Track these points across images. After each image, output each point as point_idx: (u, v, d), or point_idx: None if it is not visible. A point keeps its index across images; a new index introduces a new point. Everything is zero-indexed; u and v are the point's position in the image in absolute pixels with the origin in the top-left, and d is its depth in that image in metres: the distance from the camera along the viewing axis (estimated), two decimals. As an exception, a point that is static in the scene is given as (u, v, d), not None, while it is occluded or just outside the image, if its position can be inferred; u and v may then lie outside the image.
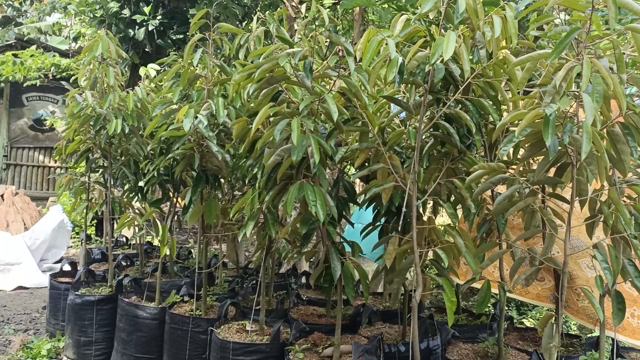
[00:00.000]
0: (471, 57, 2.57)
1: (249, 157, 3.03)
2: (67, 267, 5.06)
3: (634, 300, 3.13)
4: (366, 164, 2.86)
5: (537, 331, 3.56)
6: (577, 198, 2.20)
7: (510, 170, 2.53)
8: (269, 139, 2.63)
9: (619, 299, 2.39)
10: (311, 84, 2.66)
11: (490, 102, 2.60)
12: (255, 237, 3.45)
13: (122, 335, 3.91)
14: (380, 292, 4.39)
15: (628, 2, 2.01)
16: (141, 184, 4.39)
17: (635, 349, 3.21)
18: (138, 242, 5.23)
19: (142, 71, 6.55)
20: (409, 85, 3.01)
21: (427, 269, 3.76)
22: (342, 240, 3.18)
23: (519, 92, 2.62)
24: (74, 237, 8.78)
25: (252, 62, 2.82)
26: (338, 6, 7.06)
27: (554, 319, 2.24)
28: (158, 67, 5.91)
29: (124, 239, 6.73)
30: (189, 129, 3.13)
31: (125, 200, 4.77)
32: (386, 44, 2.40)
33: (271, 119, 2.83)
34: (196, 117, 3.22)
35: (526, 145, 2.24)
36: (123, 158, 4.48)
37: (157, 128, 3.63)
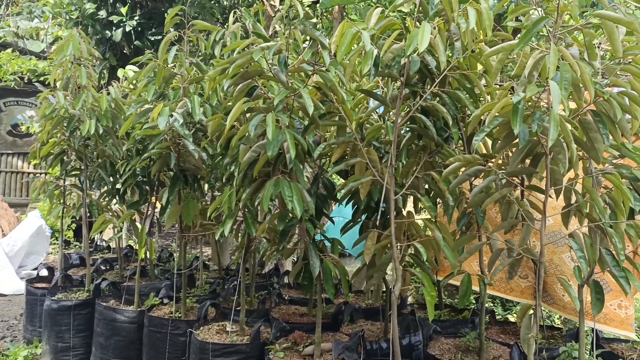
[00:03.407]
0: (449, 54, 2.56)
1: (225, 155, 2.99)
2: (44, 272, 4.96)
3: (621, 291, 3.14)
4: (346, 157, 2.83)
5: (517, 326, 3.57)
6: (551, 188, 2.20)
7: (489, 163, 2.52)
8: (244, 135, 2.59)
9: (597, 288, 2.39)
10: (286, 78, 2.63)
11: (467, 95, 2.59)
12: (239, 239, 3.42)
13: (99, 340, 3.84)
14: (362, 289, 4.36)
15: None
16: (119, 185, 4.32)
17: (616, 339, 3.22)
18: (116, 245, 5.15)
19: (120, 73, 6.47)
20: (387, 79, 2.99)
21: (411, 266, 3.74)
22: (322, 237, 3.15)
23: (496, 84, 2.62)
24: (54, 243, 8.64)
25: (226, 57, 2.78)
26: (318, 5, 7.04)
27: (532, 310, 2.23)
28: (137, 69, 5.84)
29: (104, 244, 6.64)
30: (164, 128, 3.08)
31: (103, 203, 4.71)
32: (360, 37, 2.38)
33: (247, 115, 2.79)
34: (171, 116, 3.17)
35: (501, 136, 2.23)
36: (99, 160, 4.41)
37: (133, 128, 3.58)
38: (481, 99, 2.61)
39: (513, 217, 2.41)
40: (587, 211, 2.18)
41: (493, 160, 2.71)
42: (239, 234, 3.46)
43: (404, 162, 2.83)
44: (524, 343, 2.23)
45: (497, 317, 4.56)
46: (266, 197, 2.51)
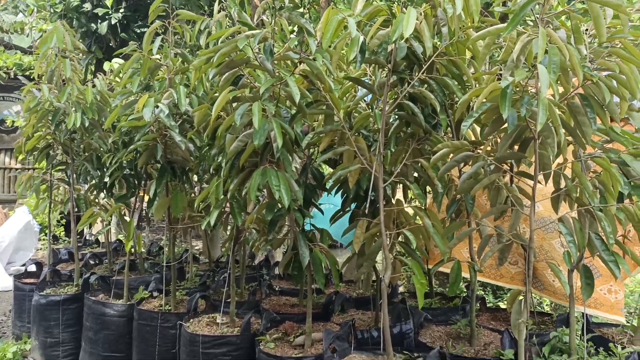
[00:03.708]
0: (437, 41, 2.53)
1: (212, 145, 2.95)
2: (32, 268, 4.91)
3: (611, 276, 3.14)
4: (334, 146, 2.81)
5: (508, 312, 3.57)
6: (540, 173, 2.19)
7: (478, 150, 2.51)
8: (230, 125, 2.56)
9: (586, 273, 2.39)
10: (273, 67, 2.60)
11: (455, 81, 2.57)
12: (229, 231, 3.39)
13: (89, 334, 3.80)
14: (353, 279, 4.35)
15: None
16: (106, 179, 4.27)
17: (606, 323, 3.23)
18: (105, 239, 5.10)
19: (106, 66, 6.41)
20: (374, 67, 2.97)
21: (401, 254, 3.73)
22: (311, 227, 3.14)
23: (483, 71, 2.60)
24: (42, 239, 8.57)
25: (212, 46, 2.74)
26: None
27: (522, 295, 2.22)
28: (123, 61, 5.78)
29: (93, 238, 6.59)
30: (150, 119, 3.04)
31: (90, 197, 4.66)
32: (347, 24, 2.35)
33: (234, 104, 2.76)
34: (157, 107, 3.13)
35: (489, 121, 2.21)
36: (86, 153, 4.36)
37: (119, 120, 3.54)
38: (469, 85, 2.59)
39: (502, 203, 2.40)
40: (577, 195, 2.17)
41: (482, 146, 2.70)
42: (228, 226, 3.43)
43: (393, 150, 2.82)
44: (514, 329, 2.23)
45: (488, 305, 4.57)
46: (253, 187, 2.48)
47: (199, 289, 4.13)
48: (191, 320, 3.36)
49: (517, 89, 2.05)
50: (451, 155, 2.38)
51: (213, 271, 4.67)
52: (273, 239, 3.00)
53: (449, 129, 2.69)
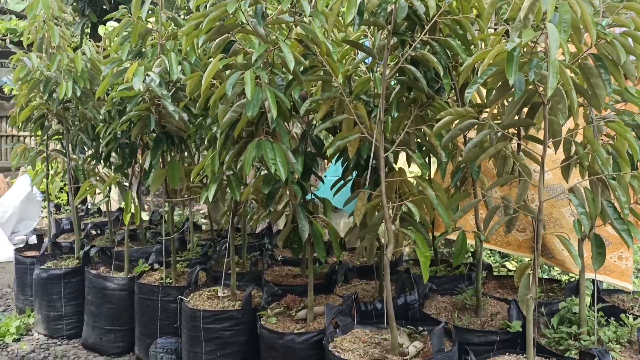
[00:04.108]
0: (441, -1, 2.37)
1: (206, 115, 2.83)
2: (33, 240, 4.86)
3: (622, 243, 3.04)
4: (333, 114, 2.68)
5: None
6: (550, 140, 2.06)
7: (483, 114, 2.37)
8: (222, 94, 2.43)
9: (598, 242, 2.28)
10: (265, 31, 2.45)
11: (459, 42, 2.42)
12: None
13: (91, 308, 3.76)
14: (355, 247, 4.27)
15: None
16: (102, 149, 4.17)
17: (617, 290, 3.15)
18: (106, 208, 5.03)
19: (101, 30, 6.22)
20: (374, 28, 2.80)
21: (401, 222, 3.65)
22: (313, 196, 3.03)
23: (490, 28, 2.44)
24: (46, 207, 8.53)
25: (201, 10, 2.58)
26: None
27: (530, 269, 2.12)
28: (117, 24, 5.60)
29: (95, 208, 6.53)
30: (140, 89, 2.91)
31: (89, 167, 4.56)
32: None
33: (226, 72, 2.62)
34: (148, 75, 3.00)
35: (495, 86, 2.07)
36: (81, 123, 4.24)
37: (111, 88, 3.41)
38: (474, 46, 2.44)
39: (509, 172, 2.28)
40: (589, 164, 2.05)
41: (487, 110, 2.57)
42: (225, 197, 3.33)
43: (394, 116, 2.68)
44: (522, 304, 2.14)
45: (494, 265, 4.51)
46: (248, 160, 2.37)
47: (200, 259, 4.06)
48: (192, 294, 3.30)
49: (525, 51, 1.90)
50: (455, 122, 2.25)
51: (215, 240, 4.61)
52: (272, 212, 2.91)
53: (452, 92, 2.55)
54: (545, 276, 3.39)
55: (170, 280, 3.58)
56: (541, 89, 1.92)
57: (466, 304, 2.94)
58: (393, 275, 3.06)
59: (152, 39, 3.58)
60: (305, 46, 2.53)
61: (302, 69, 2.56)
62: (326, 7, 2.24)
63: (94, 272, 3.84)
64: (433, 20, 2.30)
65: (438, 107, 2.52)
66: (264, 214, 2.89)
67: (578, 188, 2.06)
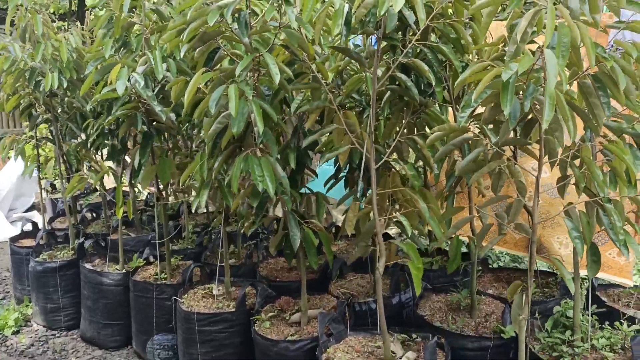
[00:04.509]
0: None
1: (192, 122, 2.75)
2: (28, 227, 4.83)
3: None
4: (323, 122, 2.60)
5: (511, 271, 3.47)
6: (545, 156, 1.99)
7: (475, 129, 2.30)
8: (206, 107, 2.34)
9: (593, 251, 2.23)
10: (250, 39, 2.34)
11: (452, 47, 2.31)
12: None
13: (87, 302, 3.77)
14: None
15: None
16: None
17: (613, 284, 3.13)
18: (100, 192, 4.97)
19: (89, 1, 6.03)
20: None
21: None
22: (306, 190, 2.97)
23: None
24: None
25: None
26: None
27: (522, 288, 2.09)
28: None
29: (92, 186, 6.47)
30: (123, 92, 2.82)
31: (82, 151, 4.48)
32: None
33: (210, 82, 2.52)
34: (133, 76, 2.89)
35: (488, 105, 1.98)
36: (69, 113, 4.15)
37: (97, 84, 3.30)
38: (467, 53, 2.33)
39: (503, 185, 2.21)
40: (585, 185, 1.99)
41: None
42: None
43: (386, 118, 2.60)
44: (514, 323, 2.12)
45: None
46: (235, 175, 2.31)
47: (196, 250, 4.05)
48: (186, 293, 3.29)
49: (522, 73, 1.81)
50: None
51: (210, 226, 4.56)
52: (264, 217, 2.85)
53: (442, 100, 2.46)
54: (541, 268, 3.36)
55: (165, 276, 3.57)
56: (537, 111, 1.83)
57: (461, 305, 2.92)
58: (387, 269, 3.03)
59: (136, 31, 3.45)
60: (292, 52, 2.43)
61: (289, 76, 2.46)
62: (311, 19, 2.12)
63: (88, 266, 3.83)
64: (424, 27, 2.19)
65: (431, 115, 2.44)
66: (256, 221, 2.83)
67: (574, 211, 2.00)
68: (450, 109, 2.73)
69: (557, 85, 1.62)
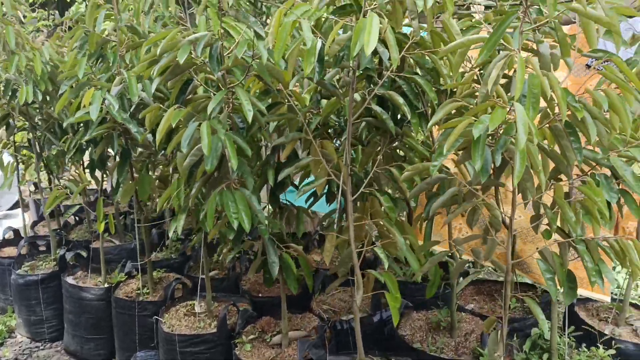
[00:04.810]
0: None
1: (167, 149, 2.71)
2: (10, 235, 4.80)
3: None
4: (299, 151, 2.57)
5: (492, 283, 3.49)
6: (520, 201, 1.99)
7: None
8: (178, 142, 2.31)
9: (570, 278, 2.25)
10: (222, 72, 2.30)
11: (429, 77, 2.29)
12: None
13: (70, 316, 3.76)
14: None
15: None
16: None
17: (592, 299, 3.15)
18: (82, 199, 4.93)
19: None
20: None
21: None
22: (286, 203, 2.96)
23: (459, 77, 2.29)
24: (24, 183, 8.39)
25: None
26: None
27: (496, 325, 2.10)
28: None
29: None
30: (97, 117, 2.77)
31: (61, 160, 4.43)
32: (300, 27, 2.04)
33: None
34: (106, 99, 2.84)
35: (461, 151, 1.97)
36: (47, 123, 4.09)
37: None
38: (442, 84, 2.30)
39: (477, 220, 2.21)
40: (558, 225, 1.99)
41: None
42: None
43: (365, 144, 2.58)
44: (490, 358, 2.14)
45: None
46: (210, 212, 2.29)
47: (179, 259, 4.04)
48: (168, 310, 3.29)
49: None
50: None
51: (191, 235, 4.52)
52: (243, 242, 2.85)
53: (418, 129, 2.43)
54: (521, 280, 3.38)
55: (148, 291, 3.56)
56: (511, 161, 1.82)
57: (441, 324, 2.94)
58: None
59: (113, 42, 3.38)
60: (265, 83, 2.39)
61: (264, 105, 2.42)
62: (283, 57, 2.08)
63: (70, 280, 3.81)
64: (400, 55, 2.16)
65: (409, 144, 2.42)
66: (234, 248, 2.81)
67: (547, 250, 2.01)
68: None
69: (528, 138, 1.61)
